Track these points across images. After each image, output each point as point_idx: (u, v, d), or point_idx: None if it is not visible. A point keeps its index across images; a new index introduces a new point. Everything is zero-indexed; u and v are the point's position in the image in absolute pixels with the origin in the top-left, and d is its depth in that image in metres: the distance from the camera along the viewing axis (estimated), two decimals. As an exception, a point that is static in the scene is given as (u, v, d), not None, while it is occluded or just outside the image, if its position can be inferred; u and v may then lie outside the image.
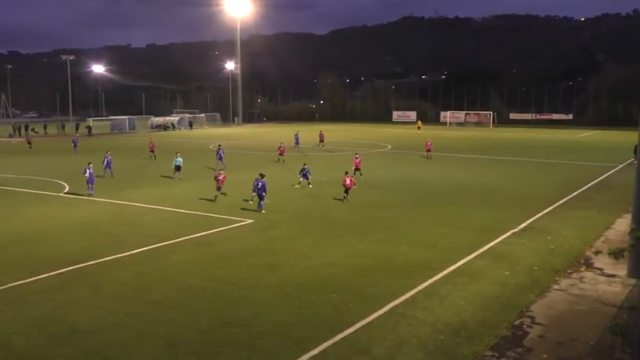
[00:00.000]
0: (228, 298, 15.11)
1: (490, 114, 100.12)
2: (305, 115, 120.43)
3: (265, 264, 18.02)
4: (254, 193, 26.23)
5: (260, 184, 25.85)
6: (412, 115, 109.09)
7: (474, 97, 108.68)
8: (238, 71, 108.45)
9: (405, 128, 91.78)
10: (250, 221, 23.90)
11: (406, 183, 34.56)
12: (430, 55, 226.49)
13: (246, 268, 17.63)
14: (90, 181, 29.81)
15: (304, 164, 33.03)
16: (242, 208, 26.19)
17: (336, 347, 12.12)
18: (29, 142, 59.57)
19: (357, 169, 34.65)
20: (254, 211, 25.54)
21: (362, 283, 16.21)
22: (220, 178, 28.39)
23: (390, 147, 59.16)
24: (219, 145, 43.01)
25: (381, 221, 24.08)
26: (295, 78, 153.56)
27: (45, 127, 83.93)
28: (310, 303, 14.66)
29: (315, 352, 11.88)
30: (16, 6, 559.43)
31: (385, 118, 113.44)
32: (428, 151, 47.91)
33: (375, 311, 13.97)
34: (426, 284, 16.00)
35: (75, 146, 52.94)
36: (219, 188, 28.17)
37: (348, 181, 28.17)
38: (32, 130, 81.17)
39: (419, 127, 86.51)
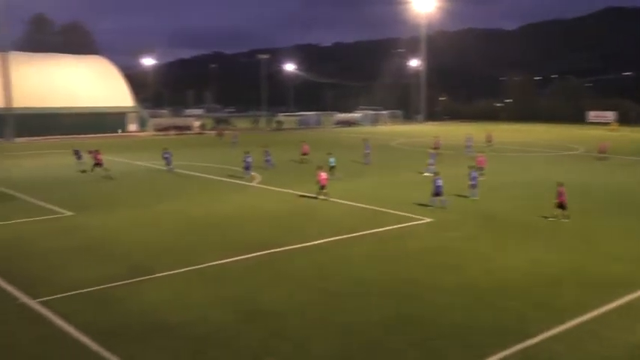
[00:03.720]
0: (405, 294, 15.15)
1: None
2: (489, 114, 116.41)
3: (443, 264, 17.78)
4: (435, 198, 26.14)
5: (440, 181, 25.89)
6: (610, 115, 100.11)
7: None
8: (422, 68, 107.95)
9: (601, 129, 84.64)
10: (430, 220, 23.71)
11: (598, 189, 31.81)
12: (636, 48, 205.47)
13: (424, 266, 17.55)
14: (247, 167, 34.55)
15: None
16: (422, 205, 26.07)
17: (515, 358, 11.58)
18: (220, 134, 66.49)
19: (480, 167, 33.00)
20: (435, 208, 25.36)
21: (546, 292, 15.28)
22: (323, 176, 27.62)
23: (581, 150, 54.94)
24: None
25: (569, 228, 22.44)
26: (480, 75, 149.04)
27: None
28: (489, 308, 14.17)
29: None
30: (220, 10, 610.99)
31: (579, 119, 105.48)
32: (601, 152, 44.81)
33: (559, 324, 13.07)
34: (621, 301, 14.60)
35: (167, 163, 39.15)
36: (322, 187, 27.57)
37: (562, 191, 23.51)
38: (227, 123, 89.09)
39: (614, 129, 79.23)
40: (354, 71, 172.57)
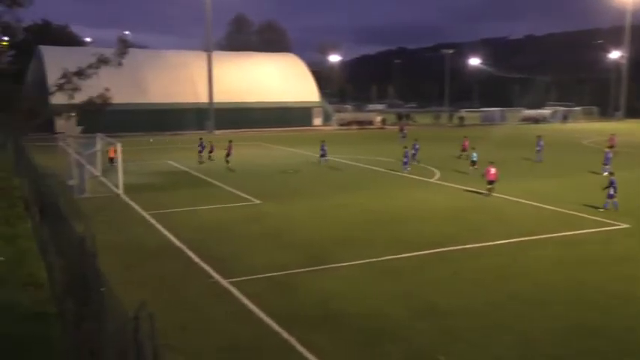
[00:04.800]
0: (593, 305, 14.02)
1: None
2: None
3: (638, 275, 16.14)
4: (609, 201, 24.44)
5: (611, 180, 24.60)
6: None
7: None
8: (624, 61, 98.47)
9: None
10: (625, 226, 21.65)
11: None
12: None
13: (615, 276, 16.07)
14: (406, 162, 35.84)
15: None
16: (600, 209, 23.91)
17: None
18: (402, 130, 65.66)
19: None
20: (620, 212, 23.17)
21: None
22: (492, 172, 27.71)
23: None
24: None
25: None
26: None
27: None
28: (694, 329, 12.59)
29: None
30: (405, 6, 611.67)
31: None
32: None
33: None
34: None
35: (201, 151, 41.54)
36: (490, 182, 27.76)
37: None
38: (408, 117, 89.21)
39: None
40: (545, 65, 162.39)
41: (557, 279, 15.89)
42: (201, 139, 43.45)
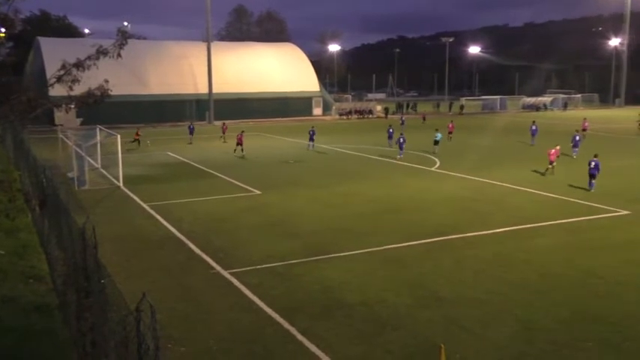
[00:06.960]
0: (595, 291, 14.01)
1: None
2: None
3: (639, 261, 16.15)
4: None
5: (593, 163, 25.40)
6: None
7: None
8: (624, 48, 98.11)
9: None
10: (626, 212, 21.64)
11: None
12: None
13: (616, 262, 16.07)
14: (401, 147, 36.47)
15: None
16: (611, 195, 23.89)
17: None
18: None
19: None
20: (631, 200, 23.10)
21: None
22: (552, 152, 29.39)
23: None
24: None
25: None
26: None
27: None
28: (697, 315, 12.58)
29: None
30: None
31: None
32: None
33: None
34: None
35: (190, 134, 48.23)
36: (550, 162, 29.38)
37: None
38: (409, 106, 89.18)
39: None
40: (546, 53, 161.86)
41: (560, 266, 15.87)
42: (191, 123, 50.84)
